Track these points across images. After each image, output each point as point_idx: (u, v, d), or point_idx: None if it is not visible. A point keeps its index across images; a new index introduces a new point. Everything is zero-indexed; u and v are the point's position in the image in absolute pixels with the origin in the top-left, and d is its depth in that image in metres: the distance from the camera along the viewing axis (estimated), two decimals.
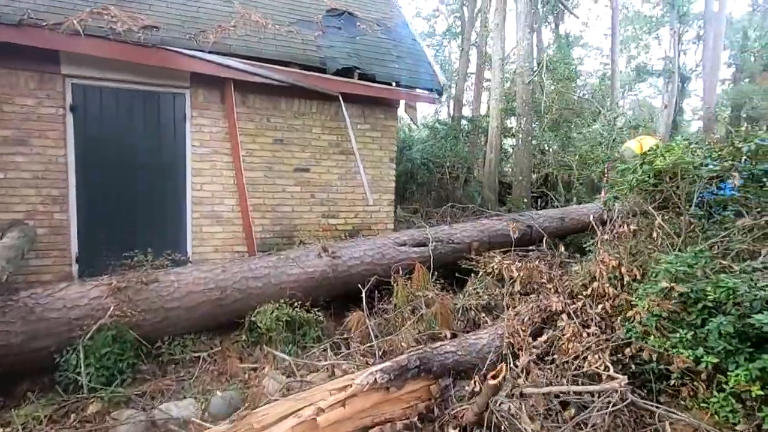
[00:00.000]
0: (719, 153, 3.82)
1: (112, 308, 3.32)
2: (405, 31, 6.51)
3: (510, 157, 16.10)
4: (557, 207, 11.04)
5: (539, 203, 12.70)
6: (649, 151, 4.77)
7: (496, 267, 4.56)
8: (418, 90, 5.79)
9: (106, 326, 3.23)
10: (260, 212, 5.58)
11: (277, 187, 5.63)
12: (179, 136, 5.12)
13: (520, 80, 11.38)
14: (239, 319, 4.00)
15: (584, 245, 6.87)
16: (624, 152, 9.28)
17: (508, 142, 16.27)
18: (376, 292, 4.74)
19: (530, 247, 6.04)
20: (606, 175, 7.44)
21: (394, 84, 5.79)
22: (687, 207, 3.97)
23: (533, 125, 12.01)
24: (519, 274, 4.13)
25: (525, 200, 11.63)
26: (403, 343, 3.66)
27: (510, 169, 15.68)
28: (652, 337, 3.08)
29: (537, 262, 4.58)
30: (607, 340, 3.46)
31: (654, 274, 3.88)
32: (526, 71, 11.23)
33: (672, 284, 2.91)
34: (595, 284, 3.63)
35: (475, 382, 2.69)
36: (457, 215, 12.06)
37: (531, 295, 4.66)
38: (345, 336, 4.10)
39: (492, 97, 13.85)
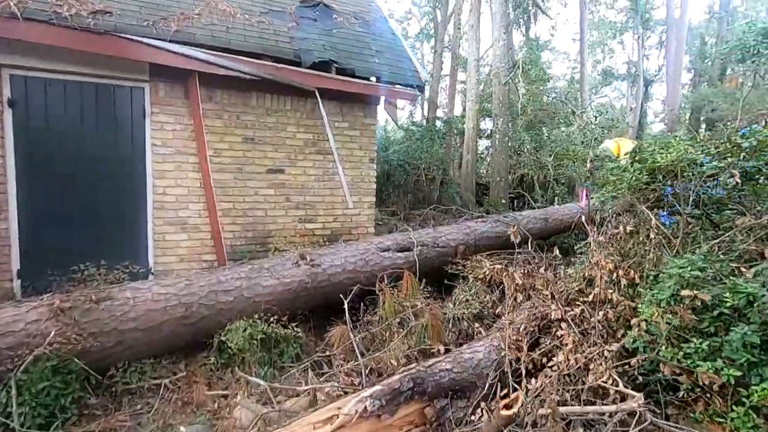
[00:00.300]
0: (717, 150, 3.63)
1: (53, 334, 2.80)
2: (384, 25, 6.16)
3: (485, 158, 16.04)
4: (535, 208, 10.97)
5: (515, 204, 12.62)
6: (638, 148, 4.59)
7: (487, 273, 4.25)
8: (399, 86, 5.44)
9: (45, 356, 2.71)
10: (230, 217, 5.09)
11: (248, 189, 5.16)
12: (138, 134, 4.58)
13: (497, 81, 11.23)
14: (207, 338, 3.53)
15: (573, 247, 6.69)
16: (602, 152, 9.27)
17: (482, 143, 16.20)
18: (360, 302, 4.36)
19: (518, 250, 5.79)
20: (592, 174, 7.28)
21: (373, 79, 5.43)
22: (684, 206, 3.77)
23: (509, 126, 11.88)
24: (521, 282, 3.82)
25: (503, 201, 11.49)
26: (392, 360, 3.29)
27: (485, 171, 15.60)
28: (663, 348, 2.82)
29: (542, 269, 4.26)
30: (610, 351, 3.20)
31: (650, 277, 3.67)
32: (502, 72, 11.09)
33: (694, 291, 2.64)
34: (596, 290, 3.36)
35: (482, 410, 2.33)
36: (438, 217, 11.80)
37: (524, 302, 4.39)
38: (327, 353, 3.69)
39: (468, 98, 13.70)
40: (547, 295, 3.73)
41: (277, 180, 5.29)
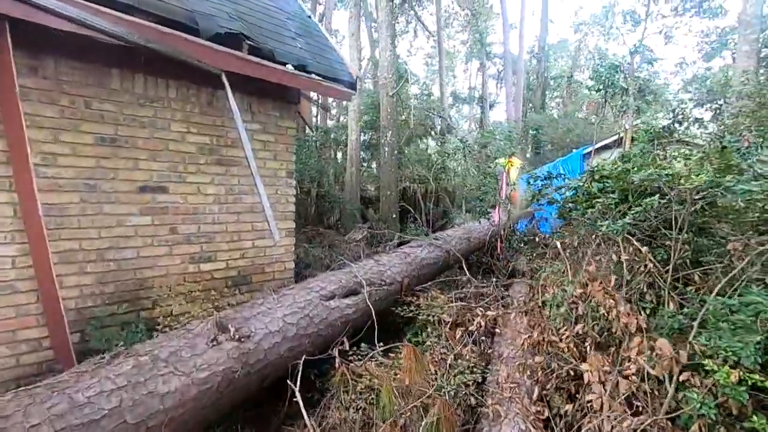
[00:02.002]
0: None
1: None
2: (294, 3, 4.77)
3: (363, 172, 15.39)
4: (420, 222, 10.63)
5: (403, 219, 12.19)
6: (601, 167, 4.22)
7: (481, 322, 3.28)
8: (328, 81, 4.13)
9: None
10: (75, 264, 3.09)
11: (107, 218, 3.23)
12: None
13: (384, 92, 10.64)
14: None
15: (491, 265, 6.26)
16: (496, 168, 9.33)
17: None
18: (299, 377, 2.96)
19: (464, 278, 5.02)
20: (502, 190, 7.01)
21: (290, 67, 4.00)
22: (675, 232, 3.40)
23: (397, 139, 11.38)
24: (537, 337, 2.91)
25: (393, 216, 10.94)
26: None
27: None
28: (755, 418, 2.22)
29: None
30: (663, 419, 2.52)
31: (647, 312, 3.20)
32: (390, 83, 10.53)
33: None
34: (637, 338, 2.67)
35: None
36: (327, 236, 10.56)
37: (498, 345, 3.56)
38: None
39: (350, 108, 12.82)
40: (560, 347, 2.92)
41: (157, 203, 3.46)
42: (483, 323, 3.26)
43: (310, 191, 12.85)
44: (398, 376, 2.58)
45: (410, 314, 4.02)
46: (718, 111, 6.65)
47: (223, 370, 2.42)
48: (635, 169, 3.63)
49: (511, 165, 8.73)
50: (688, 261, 3.41)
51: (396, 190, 11.07)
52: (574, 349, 2.91)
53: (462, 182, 11.67)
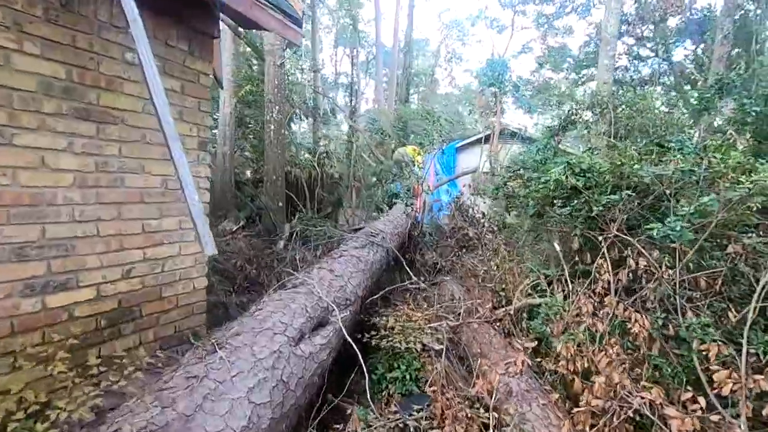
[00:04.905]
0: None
1: None
2: None
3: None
4: (303, 211, 9.51)
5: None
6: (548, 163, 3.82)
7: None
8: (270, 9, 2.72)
9: None
10: None
11: None
12: None
13: (271, 60, 9.08)
14: None
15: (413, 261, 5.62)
16: (403, 157, 8.72)
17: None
18: None
19: (412, 283, 4.17)
20: (429, 180, 6.38)
21: None
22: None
23: (285, 116, 9.85)
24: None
25: (280, 204, 9.50)
26: None
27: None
28: None
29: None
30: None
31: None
32: (277, 50, 8.98)
33: None
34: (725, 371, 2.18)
35: None
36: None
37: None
38: None
39: (223, 75, 10.61)
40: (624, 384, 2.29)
41: None
42: (525, 362, 2.43)
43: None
44: None
45: (380, 340, 3.00)
46: (602, 114, 7.18)
47: None
48: (631, 163, 3.28)
49: (417, 154, 8.26)
50: (690, 265, 3.18)
51: (282, 174, 9.62)
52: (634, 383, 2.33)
53: (353, 169, 10.79)
